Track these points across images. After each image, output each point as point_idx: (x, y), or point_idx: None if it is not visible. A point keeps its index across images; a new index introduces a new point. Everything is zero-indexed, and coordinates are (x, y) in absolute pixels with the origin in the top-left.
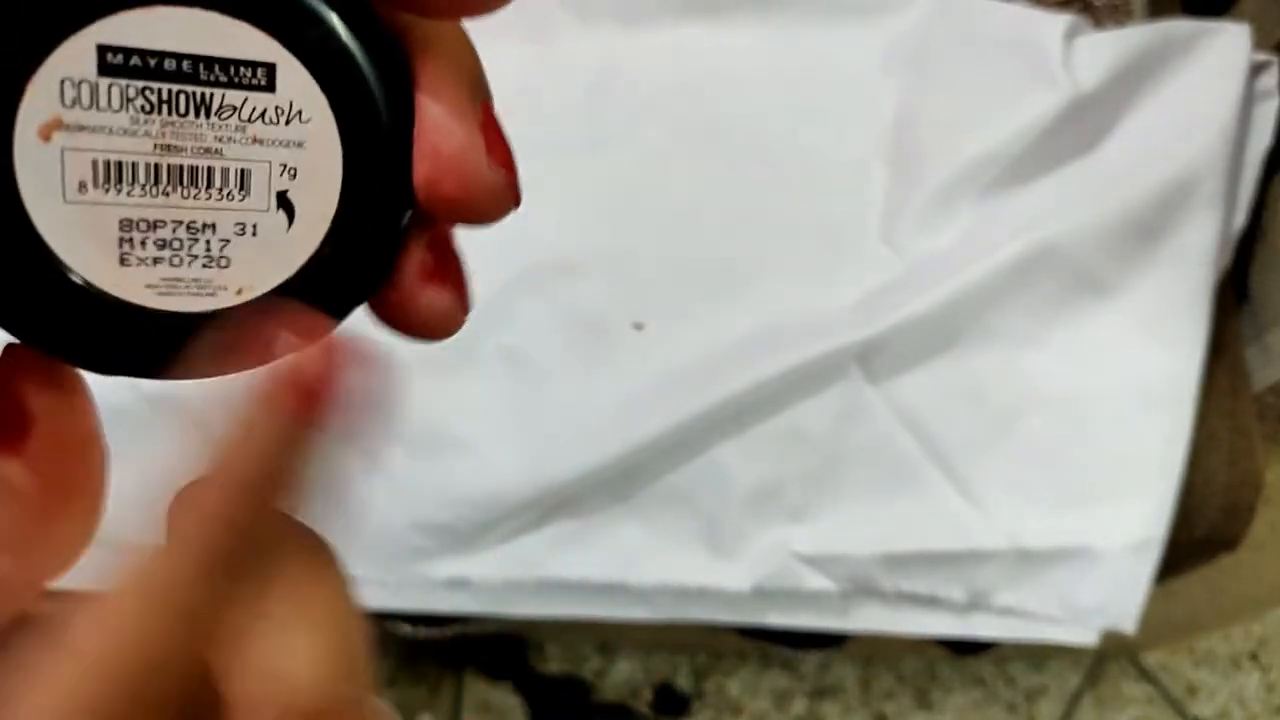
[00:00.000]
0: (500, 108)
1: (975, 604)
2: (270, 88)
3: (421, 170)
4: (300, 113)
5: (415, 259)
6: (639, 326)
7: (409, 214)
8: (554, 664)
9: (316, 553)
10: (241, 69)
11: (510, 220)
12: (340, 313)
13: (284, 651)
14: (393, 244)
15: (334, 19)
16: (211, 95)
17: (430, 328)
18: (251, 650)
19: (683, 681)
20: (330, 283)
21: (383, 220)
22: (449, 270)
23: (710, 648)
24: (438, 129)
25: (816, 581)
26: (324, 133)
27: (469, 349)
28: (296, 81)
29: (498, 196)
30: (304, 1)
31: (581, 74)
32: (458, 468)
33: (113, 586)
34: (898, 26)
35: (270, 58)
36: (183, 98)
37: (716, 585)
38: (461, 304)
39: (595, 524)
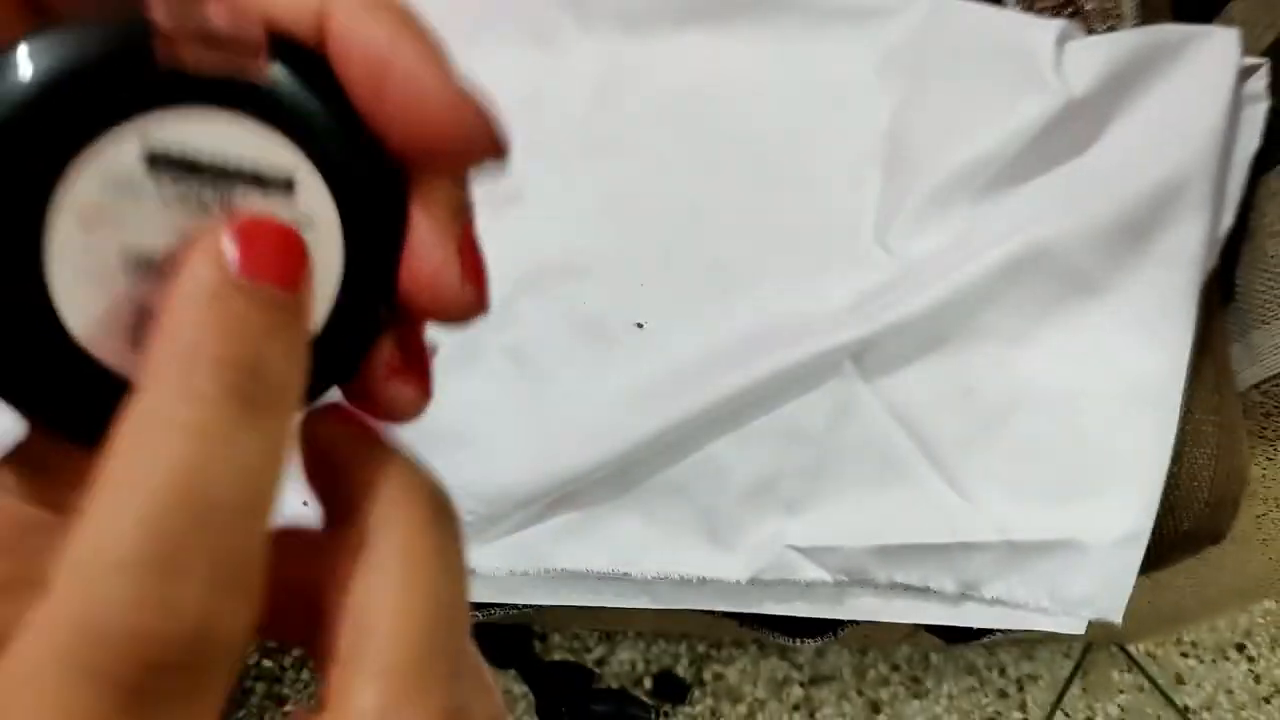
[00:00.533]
0: (505, 112)
1: (966, 595)
2: (289, 192)
3: (402, 283)
4: (312, 219)
5: (385, 355)
6: (639, 326)
7: (386, 317)
8: (557, 652)
9: (433, 500)
10: (267, 174)
11: (515, 223)
12: (314, 395)
13: (383, 605)
14: (369, 343)
15: (352, 141)
16: (237, 196)
17: (394, 415)
18: (350, 595)
19: (682, 669)
20: (313, 370)
21: (366, 322)
22: (416, 366)
23: (709, 636)
24: (421, 249)
25: (811, 572)
26: (329, 239)
27: (475, 348)
28: (313, 189)
29: (466, 309)
30: (328, 122)
31: (584, 80)
32: (464, 463)
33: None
34: (892, 34)
35: (292, 167)
36: (211, 196)
37: (715, 576)
38: (424, 395)
39: (597, 517)
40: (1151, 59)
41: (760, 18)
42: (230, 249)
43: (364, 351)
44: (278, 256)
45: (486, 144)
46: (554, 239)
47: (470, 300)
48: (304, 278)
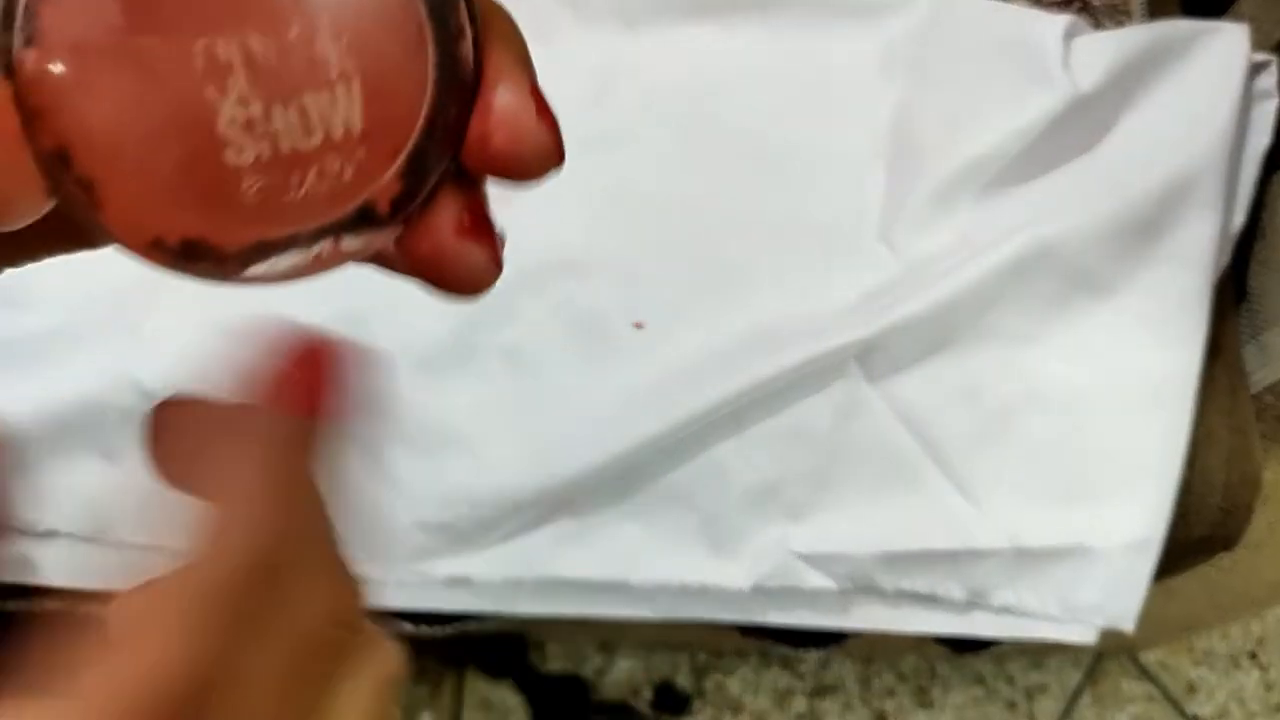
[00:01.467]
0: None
1: (974, 602)
2: None
3: (478, 124)
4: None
5: (453, 214)
6: (639, 326)
7: (452, 160)
8: (555, 663)
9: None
10: None
11: (511, 220)
12: (398, 222)
13: None
14: (444, 179)
15: None
16: None
17: (464, 281)
18: None
19: (683, 680)
20: (395, 198)
21: (446, 156)
22: (484, 229)
23: (710, 646)
24: (495, 87)
25: (816, 580)
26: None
27: (470, 348)
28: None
29: (543, 152)
30: None
31: (583, 75)
32: (459, 467)
33: (152, 592)
34: (897, 28)
35: None
36: None
37: (716, 584)
38: (495, 261)
39: (595, 523)
40: (1160, 55)
41: (762, 12)
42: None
43: (439, 185)
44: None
45: (550, 160)
46: (552, 236)
47: (547, 143)
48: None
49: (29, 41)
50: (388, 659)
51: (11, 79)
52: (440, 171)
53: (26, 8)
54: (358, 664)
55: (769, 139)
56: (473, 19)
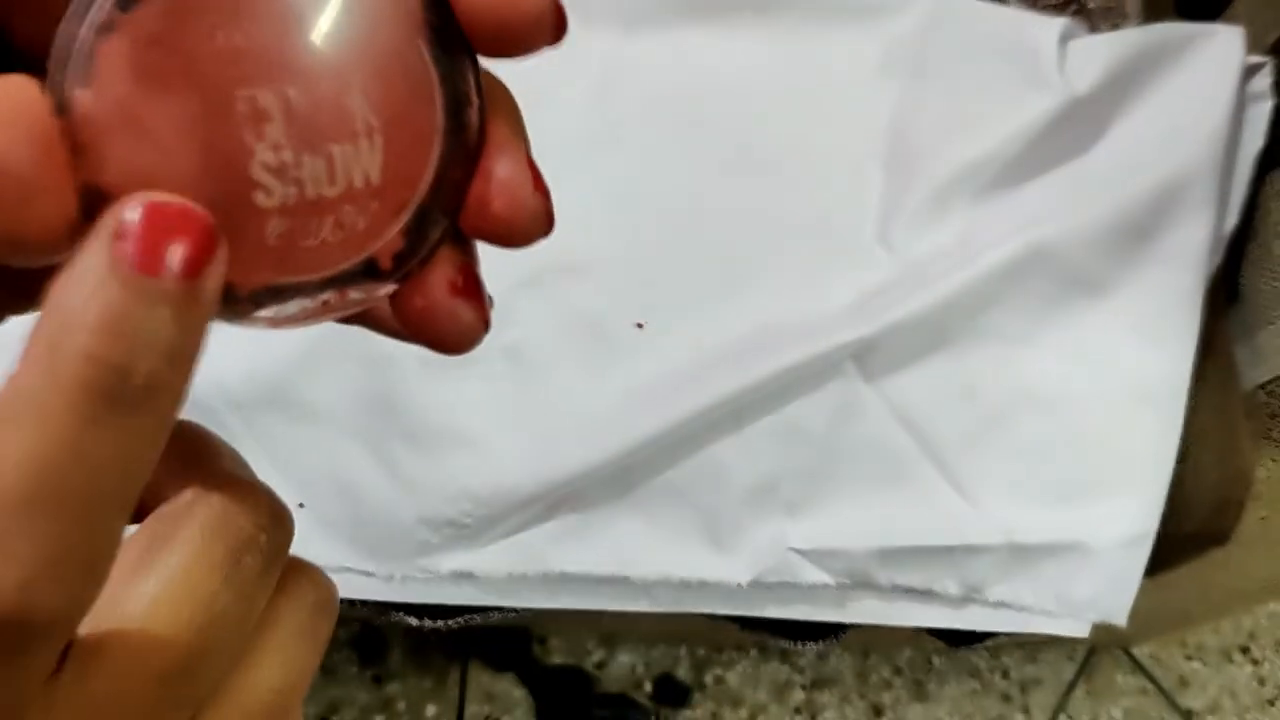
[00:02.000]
0: None
1: (969, 597)
2: None
3: (479, 189)
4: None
5: (448, 273)
6: (639, 326)
7: (452, 218)
8: (557, 656)
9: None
10: None
11: None
12: (400, 278)
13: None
14: (444, 240)
15: (460, 44)
16: None
17: (453, 339)
18: None
19: (683, 673)
20: (400, 254)
21: (447, 217)
22: (475, 289)
23: (710, 640)
24: (496, 156)
25: (813, 575)
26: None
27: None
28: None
29: (537, 221)
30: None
31: (583, 76)
32: (462, 464)
33: None
34: (895, 30)
35: None
36: None
37: (716, 579)
38: (483, 321)
39: (597, 519)
40: (1155, 57)
41: (762, 14)
42: (127, 236)
43: (439, 244)
44: (181, 247)
45: (554, 25)
46: (553, 237)
47: (540, 212)
48: (207, 269)
49: (82, 82)
50: (320, 584)
51: (63, 116)
52: (441, 230)
53: (80, 50)
54: (292, 586)
55: (768, 140)
56: (479, 89)
